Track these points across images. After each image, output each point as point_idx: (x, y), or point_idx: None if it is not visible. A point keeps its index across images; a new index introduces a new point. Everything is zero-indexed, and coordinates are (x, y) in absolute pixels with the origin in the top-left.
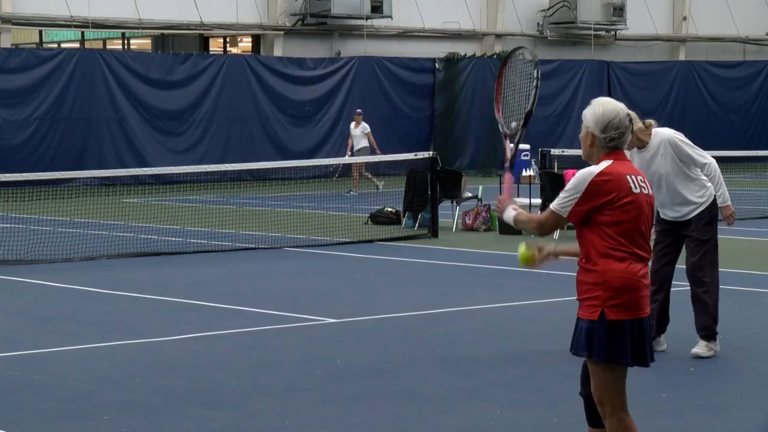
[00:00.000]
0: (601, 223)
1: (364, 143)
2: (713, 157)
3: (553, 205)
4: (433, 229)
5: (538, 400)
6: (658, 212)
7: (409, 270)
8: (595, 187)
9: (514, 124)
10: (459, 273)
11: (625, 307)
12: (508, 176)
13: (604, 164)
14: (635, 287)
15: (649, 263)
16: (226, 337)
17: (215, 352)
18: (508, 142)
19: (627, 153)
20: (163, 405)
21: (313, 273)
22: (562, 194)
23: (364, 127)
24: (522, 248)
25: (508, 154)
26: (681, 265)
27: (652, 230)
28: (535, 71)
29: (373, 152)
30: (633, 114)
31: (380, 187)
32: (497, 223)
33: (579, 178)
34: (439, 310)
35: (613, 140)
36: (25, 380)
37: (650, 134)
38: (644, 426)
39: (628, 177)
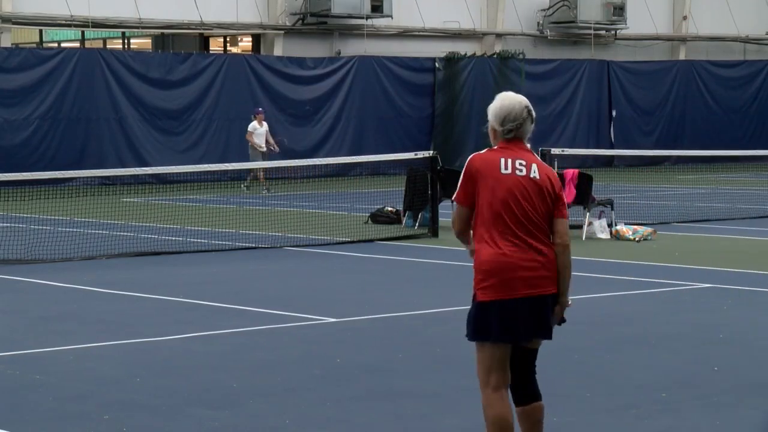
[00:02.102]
0: (478, 207)
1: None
2: (713, 156)
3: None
4: (433, 229)
5: None
6: None
7: (409, 269)
8: (469, 168)
9: None
10: (459, 272)
11: (492, 288)
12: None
13: (486, 149)
14: (503, 269)
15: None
16: (226, 336)
17: (215, 352)
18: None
19: None
20: (164, 405)
21: (313, 273)
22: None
23: (266, 126)
24: None
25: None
26: (680, 265)
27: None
28: None
29: (271, 152)
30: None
31: (263, 192)
32: None
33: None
34: (440, 309)
35: (510, 131)
36: (26, 380)
37: None
38: (644, 426)
39: (501, 159)
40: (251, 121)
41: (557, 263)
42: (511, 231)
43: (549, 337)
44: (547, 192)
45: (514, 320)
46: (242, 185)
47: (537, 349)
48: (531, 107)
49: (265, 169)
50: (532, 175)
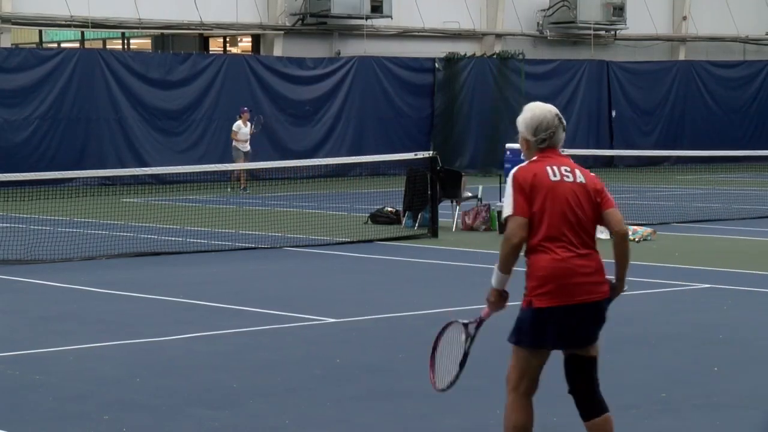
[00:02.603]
0: (532, 216)
1: (249, 144)
2: (713, 157)
3: (504, 215)
4: (433, 229)
5: (537, 399)
6: None
7: (409, 270)
8: (518, 181)
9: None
10: (459, 273)
11: (550, 295)
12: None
13: (527, 162)
14: (561, 275)
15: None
16: (226, 337)
17: (215, 352)
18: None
19: None
20: (164, 405)
21: (313, 273)
22: (504, 205)
23: (249, 126)
24: None
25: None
26: (680, 265)
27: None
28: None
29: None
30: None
31: (240, 192)
32: (497, 223)
33: (507, 180)
34: (440, 309)
35: (544, 141)
36: (26, 380)
37: None
38: (644, 426)
39: (547, 167)
40: (236, 120)
41: (616, 251)
42: (567, 238)
43: (594, 341)
44: (593, 192)
45: (571, 327)
46: (228, 188)
47: (597, 358)
48: (561, 115)
49: (248, 170)
50: (578, 180)
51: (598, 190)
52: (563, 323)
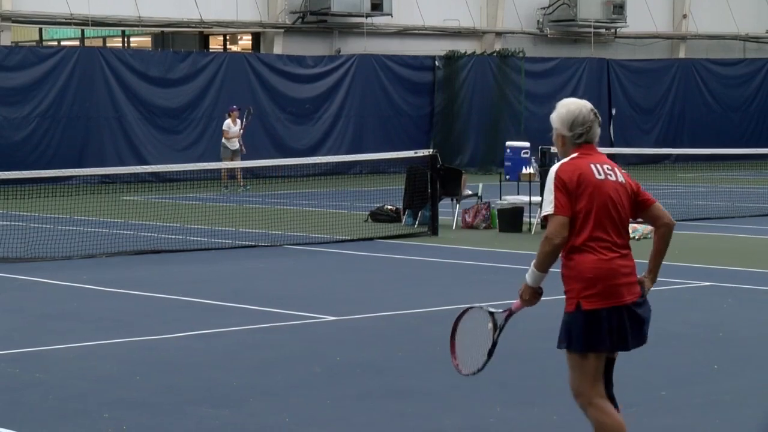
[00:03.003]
0: (574, 215)
1: (238, 142)
2: (713, 155)
3: (543, 212)
4: (433, 227)
5: (538, 399)
6: None
7: (409, 268)
8: (562, 179)
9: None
10: (459, 271)
11: (599, 296)
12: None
13: (569, 158)
14: (609, 275)
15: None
16: (226, 335)
17: (215, 350)
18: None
19: None
20: (164, 403)
21: (313, 271)
22: (543, 202)
23: (238, 124)
24: None
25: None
26: (680, 263)
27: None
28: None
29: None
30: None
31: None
32: (497, 221)
33: (549, 179)
34: (439, 308)
35: (581, 136)
36: (26, 378)
37: None
38: (644, 424)
39: (591, 165)
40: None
41: (662, 243)
42: (611, 238)
43: (645, 340)
44: (632, 192)
45: (623, 328)
46: (222, 187)
47: (615, 359)
48: (596, 110)
49: (230, 169)
50: (619, 179)
51: (635, 189)
52: (616, 325)
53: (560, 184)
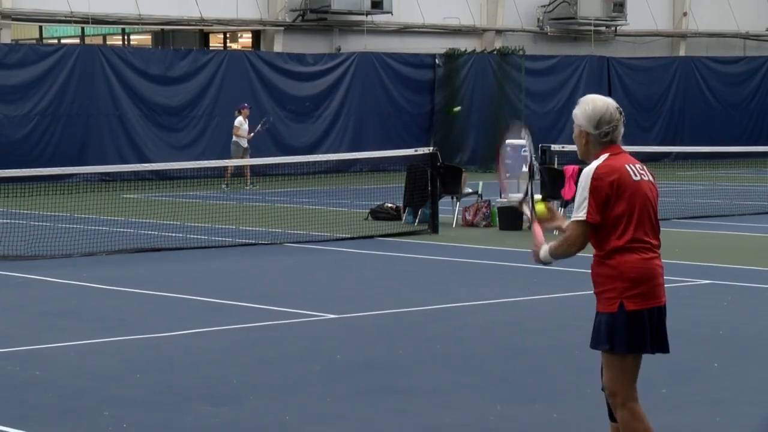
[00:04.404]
0: (611, 216)
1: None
2: (713, 153)
3: (572, 217)
4: (433, 225)
5: (538, 396)
6: None
7: (409, 266)
8: (598, 182)
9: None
10: (459, 269)
11: (642, 296)
12: (536, 227)
13: (602, 158)
14: (651, 276)
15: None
16: (226, 333)
17: (215, 348)
18: (525, 208)
19: None
20: (163, 401)
21: (313, 269)
22: (576, 203)
23: (247, 122)
24: (541, 206)
25: (530, 215)
26: (680, 261)
27: None
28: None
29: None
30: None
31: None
32: (497, 219)
33: (583, 180)
34: (439, 305)
35: (607, 135)
36: (26, 376)
37: None
38: None
39: (626, 167)
40: (236, 116)
41: None
42: (649, 238)
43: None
44: (657, 190)
45: (662, 328)
46: (223, 185)
47: None
48: (620, 108)
49: (236, 166)
50: (650, 179)
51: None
52: (656, 325)
53: (595, 188)
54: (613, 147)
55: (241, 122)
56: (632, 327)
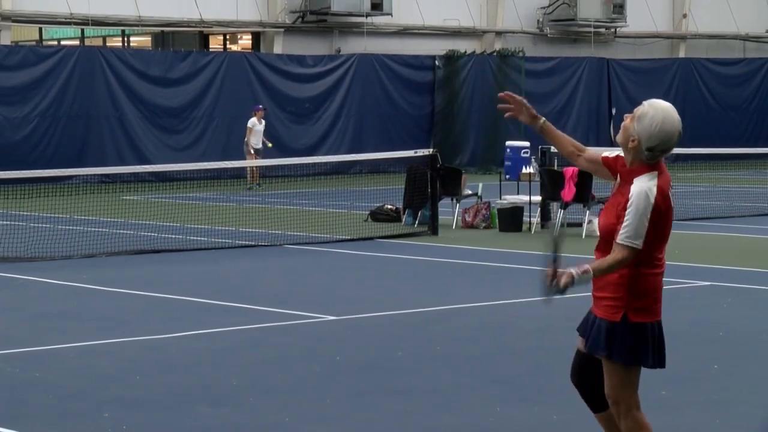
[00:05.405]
0: (649, 238)
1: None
2: (712, 154)
3: (623, 239)
4: (433, 227)
5: (537, 397)
6: None
7: (409, 267)
8: (658, 208)
9: None
10: (459, 270)
11: (646, 310)
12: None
13: (656, 180)
14: (657, 290)
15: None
16: (226, 334)
17: (215, 350)
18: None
19: None
20: (164, 402)
21: (312, 270)
22: (629, 224)
23: (263, 123)
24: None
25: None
26: (680, 263)
27: None
28: None
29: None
30: None
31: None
32: (497, 220)
33: (643, 204)
34: (439, 307)
35: (654, 158)
36: (26, 377)
37: None
38: None
39: (669, 192)
40: (251, 117)
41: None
42: (662, 254)
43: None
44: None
45: (662, 342)
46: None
47: None
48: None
49: (257, 167)
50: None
51: None
52: (657, 339)
53: (656, 214)
54: (660, 165)
55: (254, 123)
56: (635, 339)
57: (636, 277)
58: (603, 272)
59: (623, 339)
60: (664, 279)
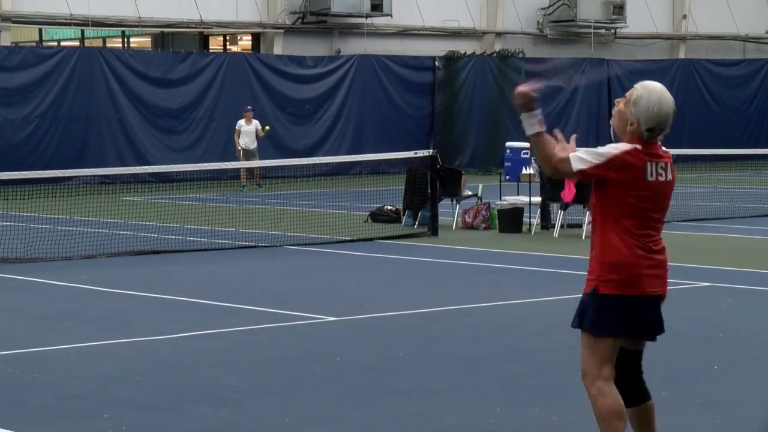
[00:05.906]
0: (612, 203)
1: (256, 142)
2: (712, 155)
3: (573, 156)
4: (432, 228)
5: (538, 398)
6: None
7: (408, 268)
8: (616, 161)
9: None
10: (459, 271)
11: (619, 282)
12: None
13: (633, 146)
14: (631, 264)
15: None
16: (225, 335)
17: (215, 350)
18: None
19: None
20: (163, 403)
21: (312, 271)
22: (585, 152)
23: (256, 124)
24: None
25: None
26: (680, 263)
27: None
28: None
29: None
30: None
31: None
32: (497, 221)
33: (607, 148)
34: (439, 308)
35: (653, 137)
36: (25, 378)
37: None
38: None
39: (647, 164)
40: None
41: None
42: (648, 229)
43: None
44: (671, 191)
45: (640, 316)
46: (243, 185)
47: (642, 350)
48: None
49: (248, 169)
50: (668, 179)
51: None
52: (630, 313)
53: (609, 163)
54: (655, 145)
55: (240, 125)
56: (603, 310)
57: (606, 248)
58: (538, 145)
59: (592, 310)
60: (654, 272)
